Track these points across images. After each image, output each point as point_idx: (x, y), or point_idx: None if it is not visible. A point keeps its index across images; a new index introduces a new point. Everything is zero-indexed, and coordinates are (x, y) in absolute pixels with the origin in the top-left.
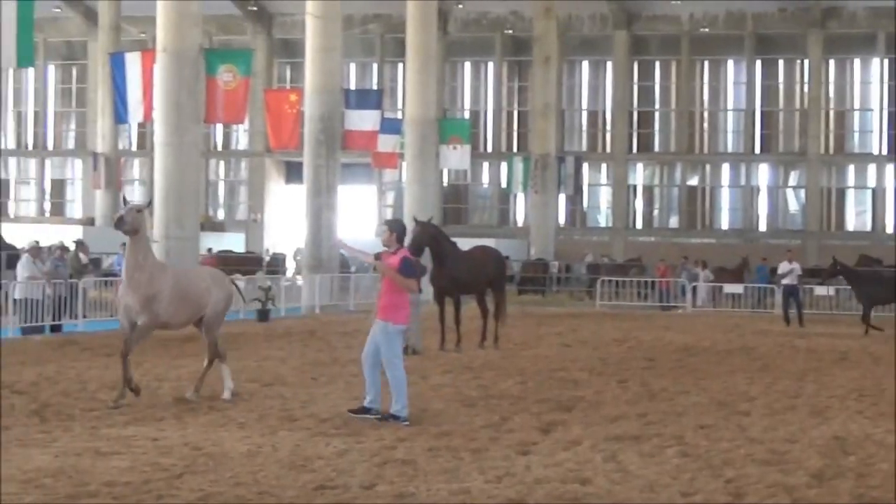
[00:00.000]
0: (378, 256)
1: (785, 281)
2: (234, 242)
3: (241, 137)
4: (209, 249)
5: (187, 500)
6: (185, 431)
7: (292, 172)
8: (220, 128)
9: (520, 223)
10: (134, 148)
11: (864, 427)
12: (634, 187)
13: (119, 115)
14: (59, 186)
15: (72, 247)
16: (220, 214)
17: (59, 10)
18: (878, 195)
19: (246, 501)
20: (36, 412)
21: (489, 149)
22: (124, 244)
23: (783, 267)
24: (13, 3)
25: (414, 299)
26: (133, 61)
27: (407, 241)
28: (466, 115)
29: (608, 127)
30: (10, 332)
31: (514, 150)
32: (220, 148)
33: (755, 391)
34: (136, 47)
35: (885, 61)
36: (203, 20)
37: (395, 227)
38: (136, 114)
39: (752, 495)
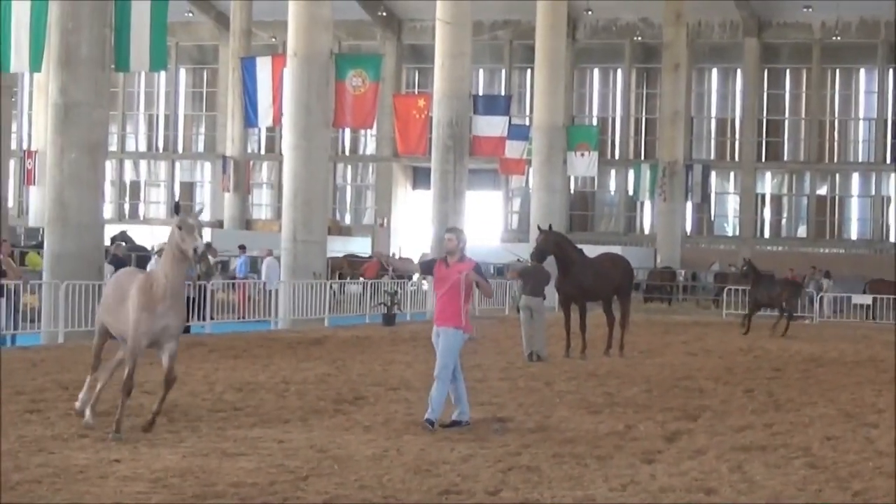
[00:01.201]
0: (431, 264)
1: None
2: (360, 247)
3: (369, 142)
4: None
5: (313, 503)
6: (311, 434)
7: (419, 177)
8: (348, 132)
9: (646, 231)
10: (262, 151)
11: None
12: (762, 196)
13: (248, 118)
14: (188, 189)
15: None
16: (347, 219)
17: (191, 15)
18: None
19: None
20: (164, 412)
21: (617, 156)
22: (243, 246)
23: None
24: (147, 7)
25: (538, 306)
26: (263, 65)
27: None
28: (594, 121)
29: (737, 135)
30: None
31: (642, 157)
32: (347, 152)
33: (883, 403)
34: (267, 52)
35: None
36: (333, 25)
37: (461, 236)
38: (265, 117)
39: None
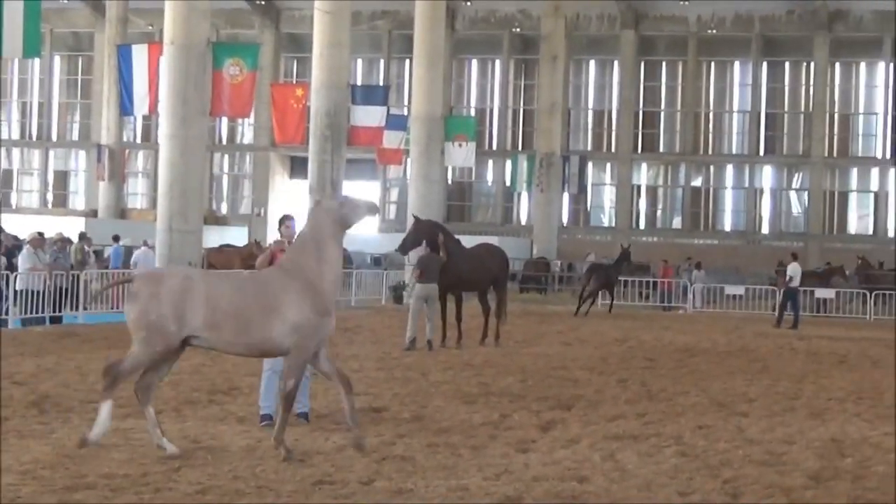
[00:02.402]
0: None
1: (793, 284)
2: (237, 237)
3: (247, 131)
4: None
5: (185, 493)
6: (184, 425)
7: (297, 167)
8: (225, 121)
9: (523, 221)
10: (138, 140)
11: (861, 429)
12: (638, 187)
13: (124, 106)
14: (62, 178)
15: (74, 238)
16: (224, 208)
17: (66, 1)
18: (880, 199)
19: (244, 495)
20: (35, 403)
21: (494, 147)
22: (117, 237)
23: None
24: None
25: (434, 293)
26: (140, 53)
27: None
28: (472, 112)
29: (613, 126)
30: (10, 322)
31: (520, 148)
32: (224, 142)
33: (754, 392)
34: (144, 39)
35: (891, 65)
36: (211, 13)
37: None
38: (141, 106)
39: (749, 496)
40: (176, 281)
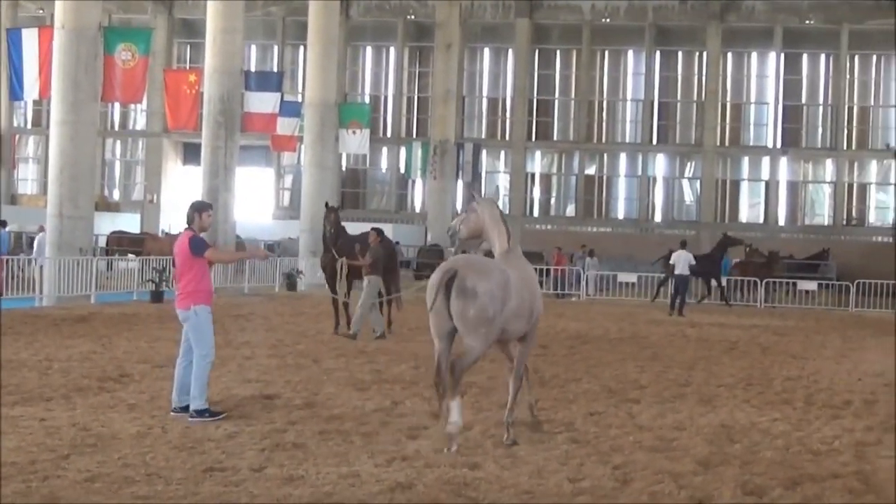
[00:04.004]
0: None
1: (677, 271)
2: (129, 223)
3: (139, 117)
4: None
5: (74, 481)
6: (74, 412)
7: (190, 153)
8: (117, 107)
9: (417, 209)
10: (29, 125)
11: (750, 416)
12: (532, 175)
13: (14, 91)
14: None
15: None
16: (116, 195)
17: None
18: (770, 188)
19: (134, 483)
20: None
21: (389, 134)
22: (4, 222)
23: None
24: None
25: (376, 284)
26: (30, 37)
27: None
28: (367, 99)
29: (508, 114)
30: None
31: (414, 135)
32: (117, 127)
33: (645, 379)
34: (34, 23)
35: (782, 56)
36: None
37: None
38: (31, 91)
39: (639, 481)
40: (501, 275)
